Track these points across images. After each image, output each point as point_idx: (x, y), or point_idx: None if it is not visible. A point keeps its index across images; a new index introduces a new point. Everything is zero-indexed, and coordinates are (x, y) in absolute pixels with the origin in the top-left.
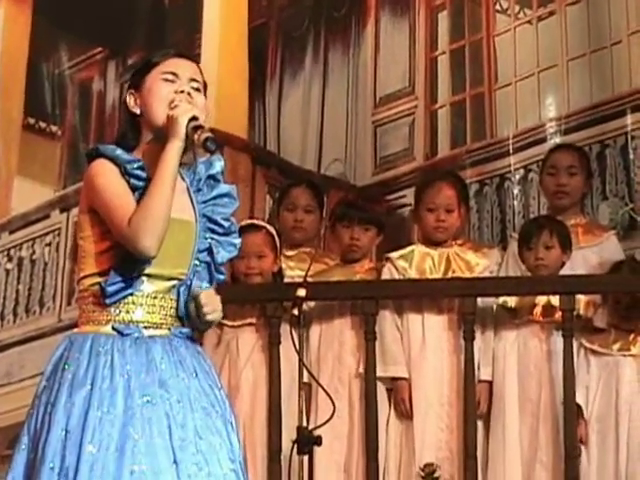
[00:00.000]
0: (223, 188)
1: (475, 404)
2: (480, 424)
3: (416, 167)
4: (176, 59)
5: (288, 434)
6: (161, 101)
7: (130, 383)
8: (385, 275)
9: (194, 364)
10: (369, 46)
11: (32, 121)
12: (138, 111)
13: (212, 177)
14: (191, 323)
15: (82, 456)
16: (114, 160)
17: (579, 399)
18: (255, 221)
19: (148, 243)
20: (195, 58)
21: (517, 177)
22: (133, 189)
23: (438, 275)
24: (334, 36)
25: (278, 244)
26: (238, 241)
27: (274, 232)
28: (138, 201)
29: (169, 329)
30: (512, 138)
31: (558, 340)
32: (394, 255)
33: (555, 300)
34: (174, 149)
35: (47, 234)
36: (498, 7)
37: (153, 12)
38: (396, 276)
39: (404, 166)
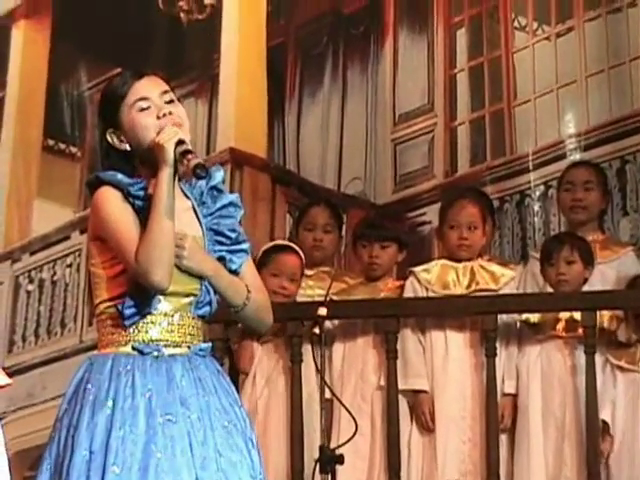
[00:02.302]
0: (227, 198)
1: (498, 422)
2: (504, 439)
3: (436, 184)
4: (138, 83)
5: (308, 453)
6: (149, 133)
7: (152, 402)
8: (408, 288)
9: (214, 382)
10: (388, 64)
11: (52, 142)
12: (128, 147)
13: (214, 188)
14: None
15: (106, 477)
16: (116, 185)
17: (606, 415)
18: (290, 243)
19: (158, 278)
20: (150, 72)
21: (537, 193)
22: (138, 211)
23: (462, 288)
24: (352, 54)
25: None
26: (247, 245)
27: (303, 258)
28: (144, 225)
29: (188, 347)
30: (532, 154)
31: (582, 355)
32: (417, 269)
33: (578, 315)
34: (164, 177)
35: (67, 255)
36: (516, 24)
37: (171, 32)
38: (419, 289)
39: (424, 184)
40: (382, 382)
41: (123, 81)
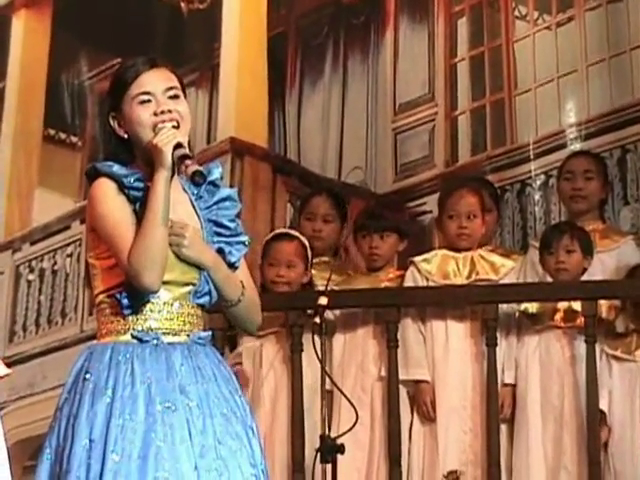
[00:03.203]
0: (224, 192)
1: (498, 411)
2: (504, 429)
3: (436, 174)
4: (145, 74)
5: (310, 443)
6: (144, 128)
7: (151, 390)
8: (408, 278)
9: (213, 370)
10: (388, 53)
11: (52, 132)
12: (125, 135)
13: (211, 183)
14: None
15: (106, 465)
16: (112, 176)
17: (603, 405)
18: (290, 231)
19: (148, 281)
20: (162, 61)
21: (538, 183)
22: (134, 201)
23: (462, 278)
24: (353, 44)
25: (310, 256)
26: (246, 238)
27: (307, 243)
28: (139, 215)
29: (188, 335)
30: (532, 144)
31: (580, 345)
32: (417, 259)
33: (576, 305)
34: (161, 179)
35: (68, 245)
36: (517, 13)
37: (172, 22)
38: (419, 279)
39: (424, 173)
40: (382, 373)
41: (133, 69)
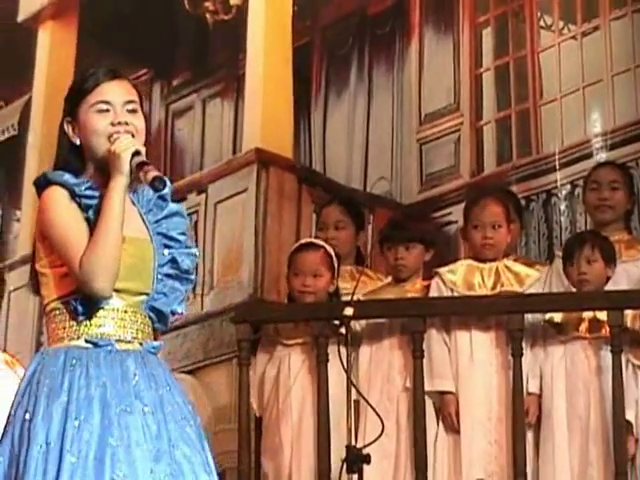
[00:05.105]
0: (172, 208)
1: (524, 421)
2: (530, 439)
3: (462, 184)
4: (105, 84)
5: (336, 453)
6: (99, 136)
7: (106, 393)
8: (433, 289)
9: (167, 379)
10: (413, 63)
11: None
12: (78, 142)
13: (161, 197)
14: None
15: (62, 466)
16: (63, 185)
17: (630, 415)
18: (315, 240)
19: (100, 286)
20: (124, 74)
21: (564, 193)
22: (86, 208)
23: (487, 290)
24: (378, 54)
25: (336, 265)
26: (195, 250)
27: (332, 252)
28: (91, 223)
29: (140, 344)
30: (558, 154)
31: (606, 356)
32: (442, 270)
33: (601, 315)
34: (118, 186)
35: None
36: (542, 23)
37: (197, 33)
38: (444, 290)
39: (450, 183)
40: (407, 384)
41: (94, 77)
